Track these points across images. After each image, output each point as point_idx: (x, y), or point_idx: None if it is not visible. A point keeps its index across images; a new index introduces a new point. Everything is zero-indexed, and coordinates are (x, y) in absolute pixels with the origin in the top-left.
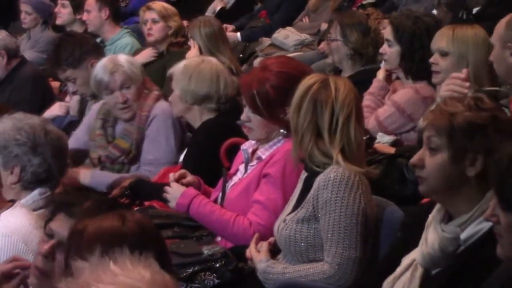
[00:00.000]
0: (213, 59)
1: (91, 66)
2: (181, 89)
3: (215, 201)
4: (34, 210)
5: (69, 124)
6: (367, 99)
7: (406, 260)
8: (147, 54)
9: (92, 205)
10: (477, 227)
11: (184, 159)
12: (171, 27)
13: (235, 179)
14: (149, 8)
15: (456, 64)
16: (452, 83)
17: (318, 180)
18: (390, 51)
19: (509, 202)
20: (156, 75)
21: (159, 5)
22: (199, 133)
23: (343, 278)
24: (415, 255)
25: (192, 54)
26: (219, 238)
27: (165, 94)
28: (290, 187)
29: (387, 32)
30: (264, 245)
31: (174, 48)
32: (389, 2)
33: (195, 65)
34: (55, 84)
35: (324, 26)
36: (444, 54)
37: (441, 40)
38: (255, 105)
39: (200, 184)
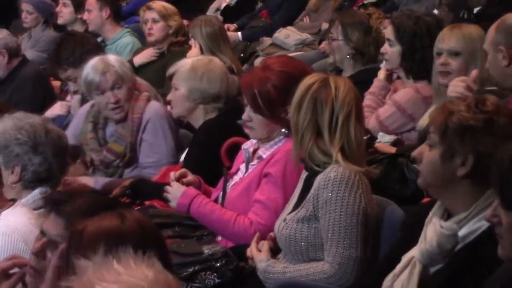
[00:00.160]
0: (216, 59)
1: None
2: (190, 88)
3: (216, 200)
4: (35, 209)
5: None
6: (368, 99)
7: (405, 258)
8: (147, 54)
9: (84, 204)
10: (476, 225)
11: (185, 158)
12: (171, 26)
13: (236, 178)
14: (149, 8)
15: (468, 64)
16: (459, 85)
17: (318, 180)
18: (391, 50)
19: (510, 202)
20: (157, 74)
21: (159, 5)
22: (200, 133)
23: (343, 278)
24: (414, 252)
25: (193, 53)
26: (219, 238)
27: (165, 93)
28: (290, 187)
29: (388, 31)
30: (265, 245)
31: (175, 47)
32: (390, 1)
33: (204, 64)
34: (56, 84)
35: (325, 25)
36: (455, 54)
37: (450, 40)
38: (256, 105)
39: (201, 184)
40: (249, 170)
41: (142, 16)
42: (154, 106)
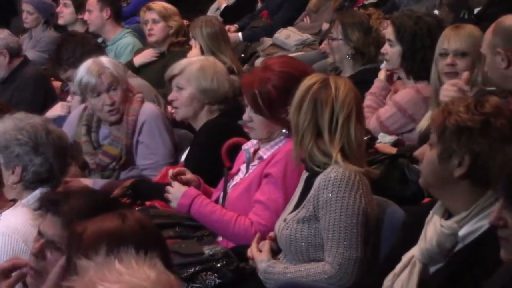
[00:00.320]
0: (216, 60)
1: None
2: (199, 88)
3: (217, 201)
4: (35, 210)
5: None
6: (369, 99)
7: (405, 257)
8: (148, 54)
9: (80, 204)
10: (476, 225)
11: (186, 159)
12: (171, 27)
13: (237, 179)
14: (149, 9)
15: (475, 64)
16: (451, 89)
17: (319, 180)
18: (391, 51)
19: None
20: (157, 75)
21: (159, 5)
22: (201, 134)
23: (344, 278)
24: (414, 251)
25: (194, 54)
26: (220, 238)
27: (166, 94)
28: (291, 187)
29: (388, 32)
30: (265, 245)
31: (175, 48)
32: (390, 2)
33: (212, 65)
34: (56, 84)
35: (325, 26)
36: (462, 54)
37: (456, 41)
38: (257, 105)
39: (200, 184)
40: (250, 171)
41: (142, 17)
42: (149, 107)
